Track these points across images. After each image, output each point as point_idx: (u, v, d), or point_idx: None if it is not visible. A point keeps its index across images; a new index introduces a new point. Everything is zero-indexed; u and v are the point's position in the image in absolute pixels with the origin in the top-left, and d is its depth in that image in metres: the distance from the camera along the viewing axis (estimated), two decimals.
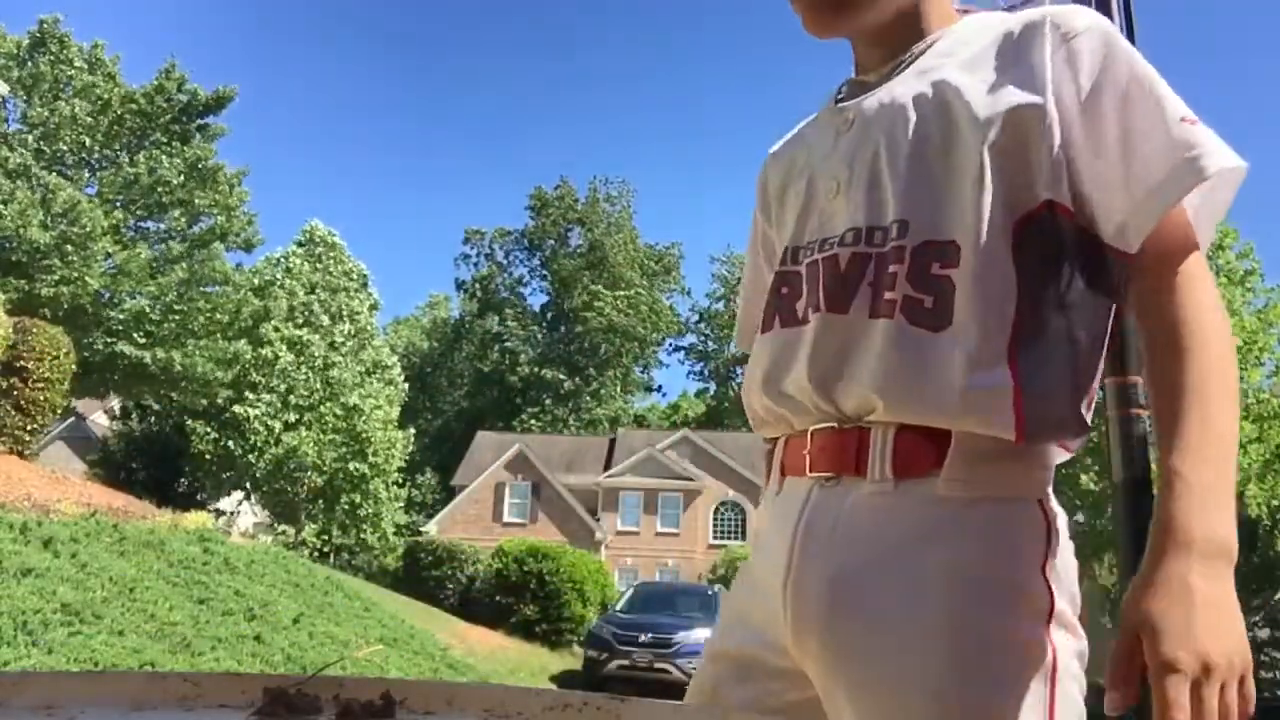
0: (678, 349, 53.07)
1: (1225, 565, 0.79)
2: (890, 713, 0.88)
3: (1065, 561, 0.93)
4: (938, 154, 0.96)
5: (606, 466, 34.83)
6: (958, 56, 1.01)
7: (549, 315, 50.73)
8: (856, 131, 1.04)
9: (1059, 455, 0.97)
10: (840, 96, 1.13)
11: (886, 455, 0.93)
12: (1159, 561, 0.79)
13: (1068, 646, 0.89)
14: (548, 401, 45.97)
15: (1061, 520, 0.95)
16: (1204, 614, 0.75)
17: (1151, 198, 0.89)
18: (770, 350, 1.07)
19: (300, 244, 28.64)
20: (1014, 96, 0.94)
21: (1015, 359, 0.90)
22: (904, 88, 1.02)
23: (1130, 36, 2.65)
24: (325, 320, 27.21)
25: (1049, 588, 0.90)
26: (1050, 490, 0.96)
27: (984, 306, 0.91)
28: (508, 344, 48.34)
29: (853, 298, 0.98)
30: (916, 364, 0.92)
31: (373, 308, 29.80)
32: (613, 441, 37.26)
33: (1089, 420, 0.96)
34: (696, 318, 53.02)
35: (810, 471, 1.00)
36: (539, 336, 49.59)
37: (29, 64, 20.83)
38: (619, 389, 48.86)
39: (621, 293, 47.80)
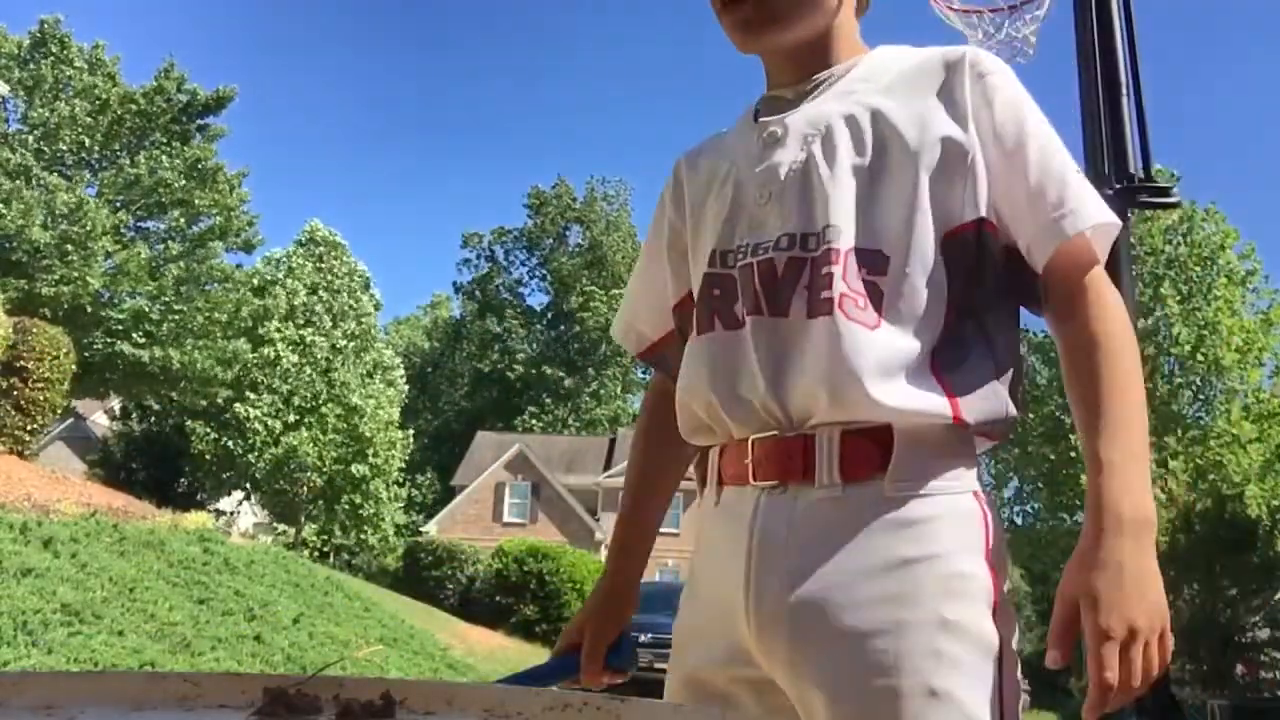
0: None
1: (1148, 535, 0.90)
2: (859, 704, 0.93)
3: (1002, 548, 1.01)
4: (869, 171, 1.03)
5: (606, 466, 34.83)
6: (878, 82, 1.08)
7: (548, 314, 50.72)
8: (788, 142, 1.08)
9: (983, 445, 1.05)
10: (759, 110, 1.17)
11: (834, 460, 0.98)
12: (1097, 540, 0.90)
13: (1009, 629, 0.97)
14: (548, 401, 45.98)
15: (994, 511, 1.01)
16: (1132, 585, 0.87)
17: (1048, 230, 1.00)
18: (713, 353, 1.07)
19: (301, 244, 28.63)
20: (942, 126, 1.02)
21: (944, 359, 0.99)
22: (831, 106, 1.08)
23: (1130, 36, 2.65)
24: (327, 321, 27.21)
25: (993, 575, 0.97)
26: (980, 481, 1.02)
27: (911, 314, 0.99)
28: (507, 344, 48.35)
29: (791, 300, 1.01)
30: (857, 356, 0.96)
31: (376, 308, 29.81)
32: (613, 441, 37.27)
33: (1017, 413, 1.03)
34: None
35: (754, 480, 1.02)
36: (538, 336, 49.59)
37: (30, 65, 20.84)
38: (619, 388, 48.86)
39: (619, 292, 47.77)
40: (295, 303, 26.79)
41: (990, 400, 1.00)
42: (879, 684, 0.92)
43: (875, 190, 1.02)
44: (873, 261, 1.00)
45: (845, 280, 0.99)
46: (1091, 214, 1.00)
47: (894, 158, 1.02)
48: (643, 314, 1.30)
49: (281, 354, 25.61)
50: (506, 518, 32.46)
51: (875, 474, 0.97)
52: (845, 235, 1.00)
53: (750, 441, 1.03)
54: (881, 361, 0.96)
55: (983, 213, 1.01)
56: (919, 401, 0.96)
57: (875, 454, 0.97)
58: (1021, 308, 1.09)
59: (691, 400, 1.10)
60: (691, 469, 1.20)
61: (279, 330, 25.84)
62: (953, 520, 0.97)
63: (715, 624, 1.05)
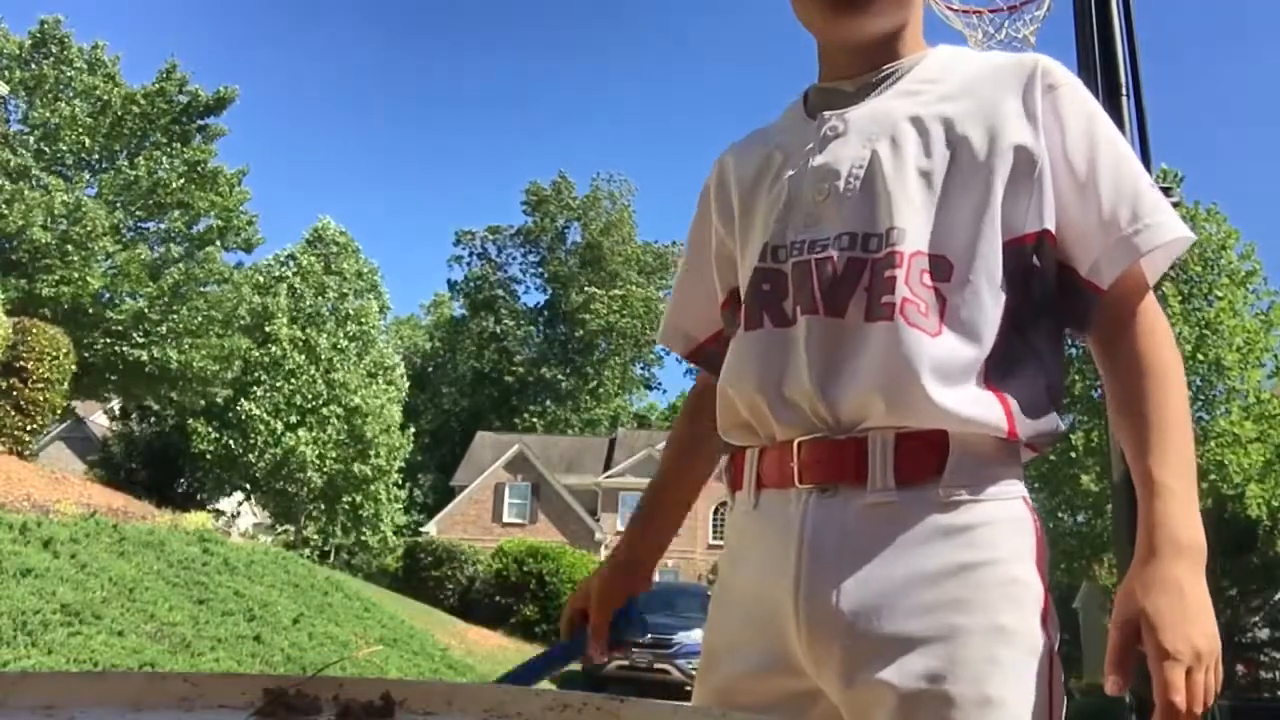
0: None
1: (1202, 561, 0.90)
2: (916, 711, 0.92)
3: (1046, 555, 1.01)
4: (937, 177, 1.01)
5: (606, 466, 34.85)
6: (944, 85, 1.06)
7: (546, 314, 50.70)
8: (849, 139, 1.06)
9: (1028, 455, 1.04)
10: (813, 102, 1.15)
11: (888, 463, 0.96)
12: (1155, 563, 0.89)
13: (1055, 635, 0.97)
14: (548, 402, 45.97)
15: (1040, 517, 1.02)
16: (1192, 609, 0.87)
17: (1122, 246, 0.98)
18: (760, 351, 1.05)
19: (309, 242, 28.61)
20: (1013, 135, 1.00)
21: (999, 370, 0.98)
22: (895, 105, 1.06)
23: (1130, 35, 2.65)
24: (331, 322, 27.21)
25: (1043, 581, 0.98)
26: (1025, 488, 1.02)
27: (971, 321, 0.98)
28: (505, 343, 48.33)
29: (849, 301, 1.00)
30: (918, 360, 0.95)
31: (382, 309, 29.82)
32: (613, 441, 37.29)
33: (1060, 425, 1.03)
34: None
35: (800, 483, 1.00)
36: (536, 335, 49.56)
37: (31, 65, 20.84)
38: (618, 387, 48.84)
39: (618, 291, 47.75)
40: (302, 304, 26.79)
41: (1041, 415, 1.00)
42: (935, 690, 0.91)
43: (943, 197, 1.01)
44: (937, 268, 0.99)
45: (908, 285, 0.98)
46: (1168, 229, 0.99)
47: (964, 165, 1.01)
48: (689, 315, 1.28)
49: (287, 353, 25.62)
50: (506, 518, 32.46)
51: (930, 478, 0.96)
52: (910, 239, 0.99)
53: (796, 444, 1.01)
54: (941, 369, 0.95)
55: (1046, 225, 1.00)
56: (977, 412, 0.95)
57: (930, 458, 0.96)
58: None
59: (736, 396, 1.08)
60: (721, 472, 1.17)
61: (285, 329, 25.84)
62: (1006, 526, 0.97)
63: (755, 632, 1.03)
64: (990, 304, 0.98)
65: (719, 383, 1.11)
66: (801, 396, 1.01)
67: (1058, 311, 1.04)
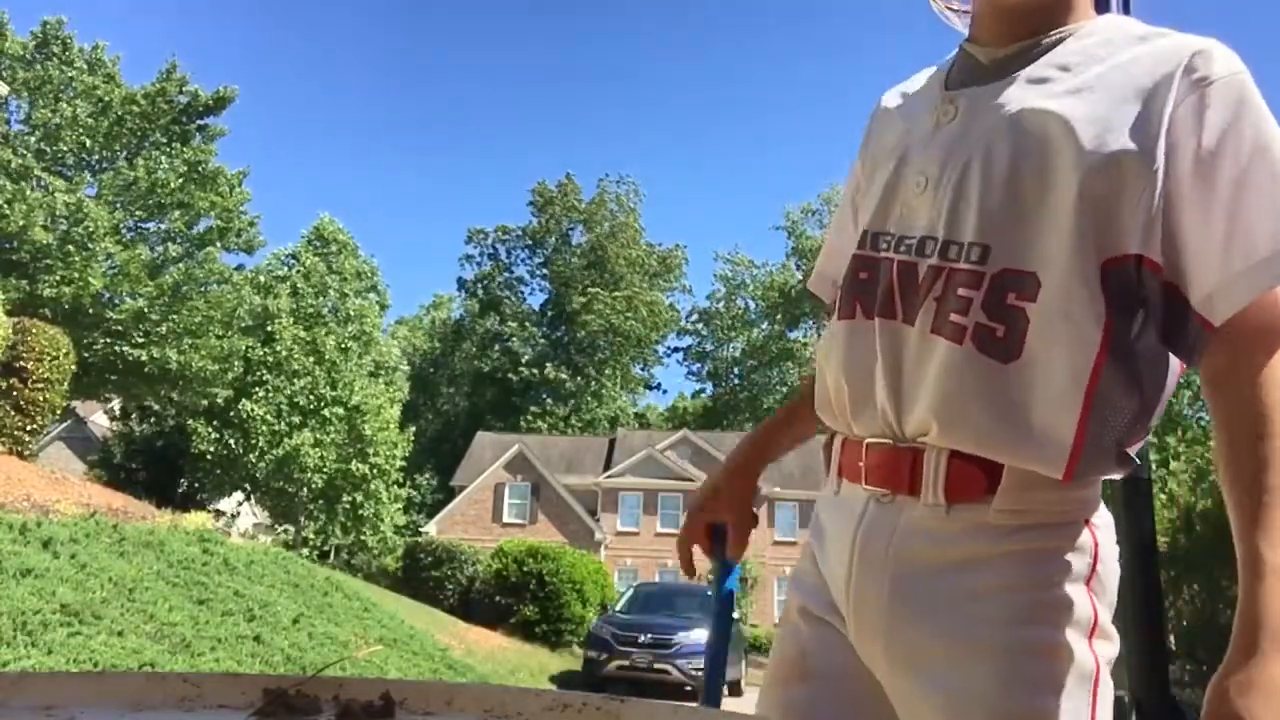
0: (676, 349, 53.09)
1: None
2: None
3: (1109, 571, 0.97)
4: (1033, 184, 0.93)
5: (606, 467, 34.83)
6: (1078, 75, 0.96)
7: (549, 314, 50.73)
8: (957, 128, 1.00)
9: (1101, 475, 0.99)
10: (953, 68, 1.09)
11: (939, 479, 0.95)
12: (1257, 661, 0.78)
13: (1106, 655, 0.95)
14: (549, 402, 45.96)
15: (1106, 533, 0.98)
16: None
17: (1246, 277, 0.86)
18: (850, 342, 1.04)
19: (310, 240, 28.62)
20: (1122, 142, 0.90)
21: (1082, 402, 0.91)
22: (1015, 95, 0.97)
23: None
24: (333, 322, 27.23)
25: (1092, 602, 0.94)
26: (1098, 503, 0.98)
27: (1058, 345, 0.91)
28: (508, 343, 48.34)
29: (919, 310, 0.97)
30: (980, 394, 0.92)
31: (382, 308, 29.82)
32: (612, 442, 37.27)
33: (1136, 459, 0.96)
34: (696, 318, 52.99)
35: (865, 484, 1.01)
36: (539, 336, 49.59)
37: (34, 65, 20.85)
38: (618, 388, 48.84)
39: (621, 293, 47.77)
40: (304, 303, 26.81)
41: (1119, 446, 0.94)
42: (974, 707, 0.91)
43: (1040, 208, 0.92)
44: (1022, 285, 0.92)
45: (984, 309, 0.92)
46: None
47: (1064, 174, 0.91)
48: (837, 264, 1.22)
49: (291, 353, 25.63)
50: (506, 518, 32.45)
51: (981, 497, 0.94)
52: (994, 256, 0.93)
53: (865, 444, 1.02)
54: (1007, 402, 0.91)
55: (1143, 249, 0.90)
56: (1034, 453, 0.91)
57: (982, 479, 0.94)
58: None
59: (830, 381, 1.08)
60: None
61: (288, 329, 25.85)
62: (1056, 549, 0.94)
63: (826, 594, 1.07)
64: (1080, 327, 0.90)
65: (818, 356, 1.11)
66: (875, 399, 1.00)
67: (1163, 337, 0.94)
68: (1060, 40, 1.00)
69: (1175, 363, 0.97)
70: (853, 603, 1.00)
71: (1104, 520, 0.98)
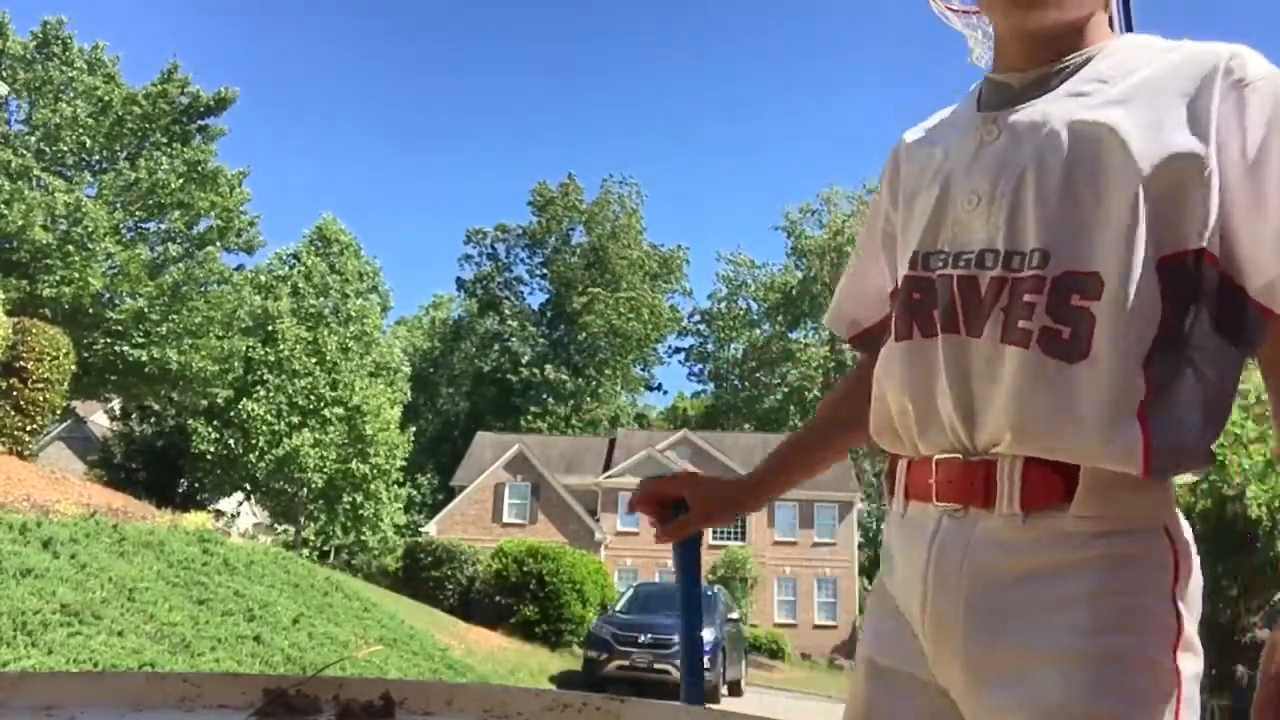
0: (678, 350, 53.08)
1: None
2: None
3: (1194, 583, 0.96)
4: (1088, 188, 0.95)
5: (606, 467, 34.83)
6: (1116, 86, 0.99)
7: (549, 314, 50.73)
8: (1003, 146, 1.02)
9: (1181, 477, 0.99)
10: (985, 95, 1.11)
11: (1015, 488, 0.95)
12: None
13: (1191, 669, 0.93)
14: (550, 402, 45.96)
15: (1187, 541, 0.97)
16: None
17: None
18: (910, 362, 1.05)
19: (312, 240, 28.64)
20: (1175, 142, 0.93)
21: (1150, 395, 0.92)
22: (1057, 108, 1.00)
23: (1129, 33, 2.65)
24: (334, 322, 27.24)
25: (1178, 612, 0.93)
26: (1175, 514, 0.98)
27: (1124, 341, 0.92)
28: (508, 343, 48.36)
29: (986, 321, 0.97)
30: (1051, 398, 0.93)
31: (384, 309, 29.84)
32: (612, 442, 37.27)
33: (1213, 453, 0.97)
34: (698, 318, 52.97)
35: (937, 501, 1.01)
36: (539, 336, 49.59)
37: (35, 65, 20.86)
38: (619, 388, 48.84)
39: (622, 294, 47.78)
40: (305, 303, 26.82)
41: (1191, 443, 0.95)
42: (1056, 718, 0.90)
43: (1097, 210, 0.94)
44: (1085, 286, 0.93)
45: (1050, 312, 0.93)
46: None
47: (1116, 175, 0.93)
48: (858, 300, 1.27)
49: (292, 352, 25.65)
50: (506, 518, 32.45)
51: (1058, 505, 0.93)
52: (1055, 260, 0.94)
53: (934, 461, 1.01)
54: (1078, 404, 0.92)
55: (1203, 243, 0.93)
56: (1111, 450, 0.91)
57: (1059, 486, 0.93)
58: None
59: (891, 403, 1.08)
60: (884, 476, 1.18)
61: (290, 329, 25.86)
62: (1138, 557, 0.93)
63: (901, 629, 1.05)
64: (1143, 323, 0.92)
65: (875, 381, 1.11)
66: (941, 415, 1.00)
67: (1221, 327, 0.96)
68: (1087, 60, 1.03)
69: (1237, 352, 0.99)
70: (929, 624, 0.99)
71: (1184, 528, 0.97)
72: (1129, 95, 0.97)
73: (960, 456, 0.99)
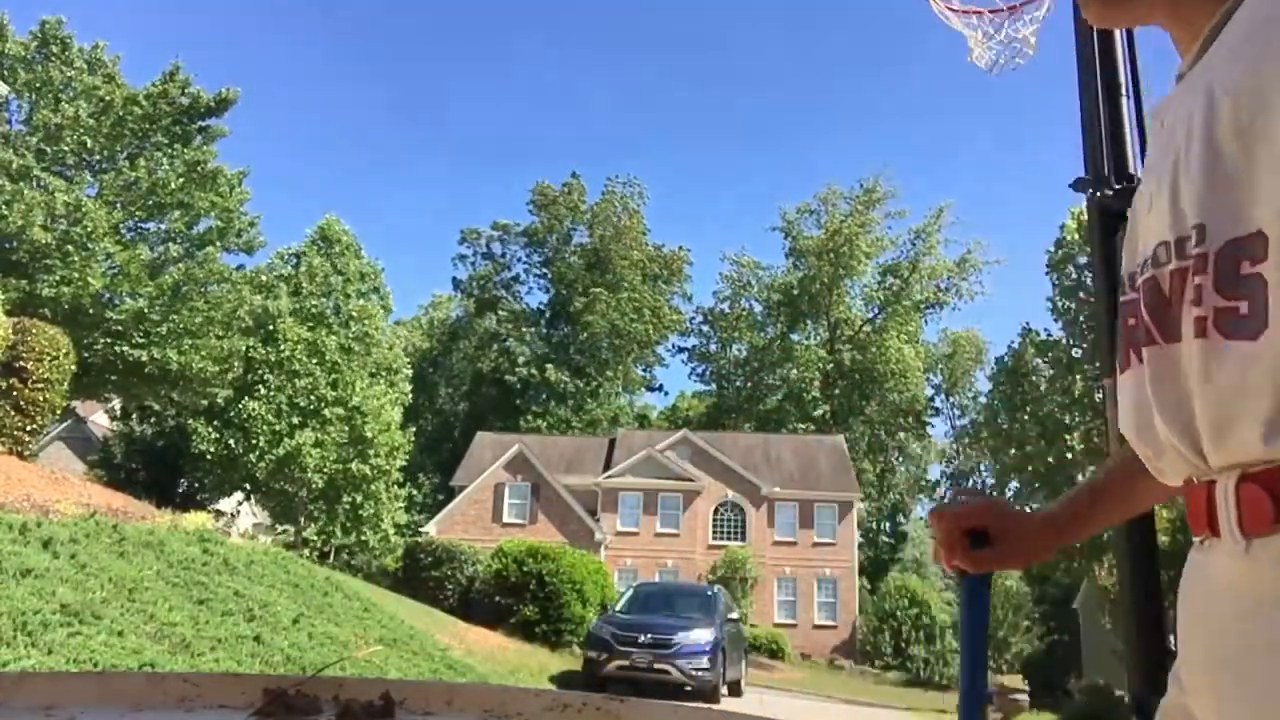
0: (680, 350, 53.07)
1: None
2: None
3: None
4: (1233, 145, 0.85)
5: (606, 467, 34.84)
6: (1229, 40, 0.90)
7: (549, 314, 50.74)
8: (1164, 137, 0.95)
9: None
10: None
11: (1230, 510, 0.84)
12: None
13: None
14: (551, 402, 45.95)
15: None
16: None
17: None
18: (1129, 393, 0.96)
19: (314, 240, 28.65)
20: None
21: None
22: (1195, 80, 0.92)
23: (1129, 34, 2.65)
24: (335, 322, 27.26)
25: None
26: None
27: None
28: (506, 343, 48.36)
29: (1179, 321, 0.87)
30: (1232, 381, 0.82)
31: (385, 310, 29.85)
32: (612, 442, 37.27)
33: None
34: (700, 319, 52.96)
35: (1193, 533, 0.92)
36: (538, 335, 49.60)
37: (36, 66, 20.87)
38: (620, 388, 48.84)
39: (624, 294, 47.78)
40: (307, 303, 26.84)
41: None
42: None
43: (1246, 165, 0.84)
44: (1251, 249, 0.82)
45: (1219, 290, 0.83)
46: None
47: (1265, 123, 0.83)
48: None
49: (293, 352, 25.66)
50: (506, 518, 32.46)
51: (1270, 528, 0.81)
52: (1216, 231, 0.84)
53: (1183, 489, 0.92)
54: (1266, 383, 0.79)
55: None
56: None
57: (1265, 501, 0.82)
58: None
59: (1133, 446, 0.99)
60: None
61: (291, 329, 25.87)
62: None
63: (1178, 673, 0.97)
64: None
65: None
66: (1163, 442, 0.91)
67: None
68: (1232, 10, 0.93)
69: None
70: (1184, 668, 0.92)
71: None
72: (1240, 41, 0.88)
73: (1192, 479, 0.90)
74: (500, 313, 49.77)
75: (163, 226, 22.26)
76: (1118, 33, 2.65)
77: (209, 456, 25.19)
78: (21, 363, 11.13)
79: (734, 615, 16.97)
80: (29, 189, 19.42)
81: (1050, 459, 19.97)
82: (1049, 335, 22.32)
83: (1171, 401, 0.88)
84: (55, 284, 19.16)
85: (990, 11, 3.96)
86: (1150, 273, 0.92)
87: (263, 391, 25.30)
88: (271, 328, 25.73)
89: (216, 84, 23.34)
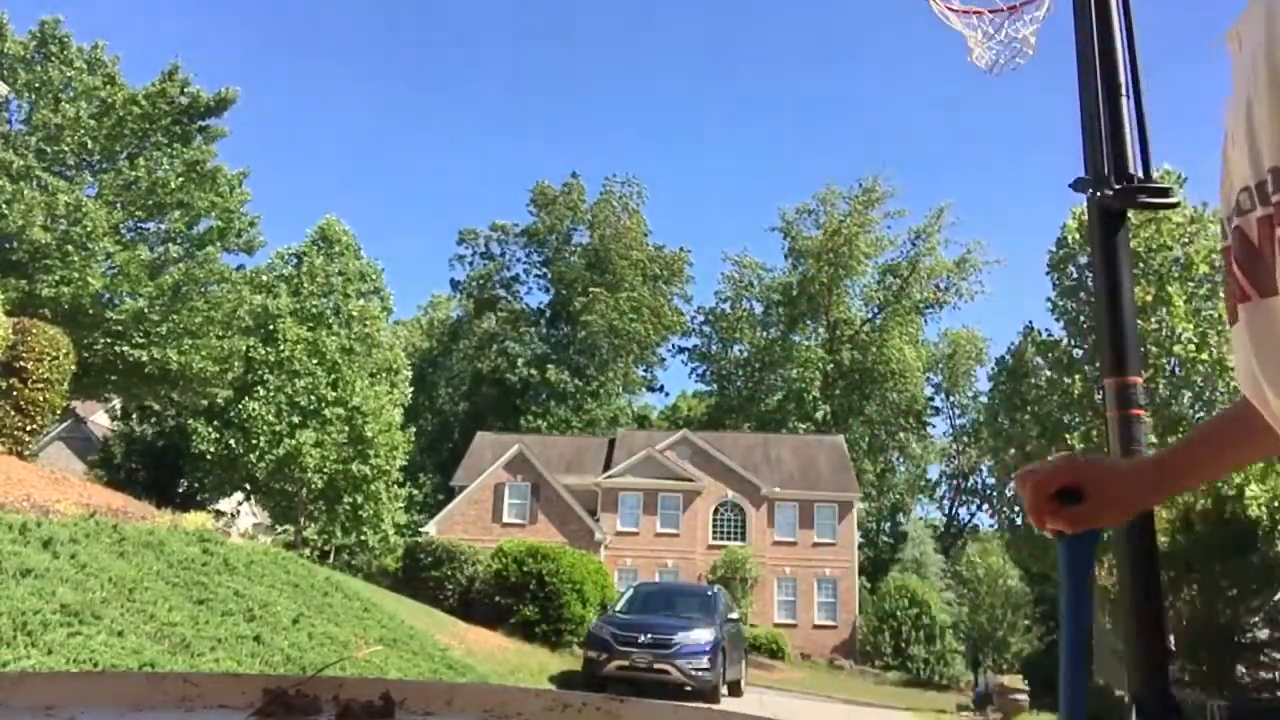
0: (681, 350, 53.04)
1: None
2: None
3: None
4: None
5: (606, 467, 34.83)
6: None
7: (549, 314, 50.72)
8: (1245, 62, 0.87)
9: None
10: None
11: None
12: None
13: None
14: (551, 403, 45.93)
15: None
16: None
17: None
18: (1238, 346, 0.91)
19: (315, 240, 28.66)
20: None
21: None
22: (1258, 8, 0.86)
23: (1129, 34, 2.65)
24: (335, 323, 27.26)
25: None
26: None
27: None
28: (506, 344, 48.35)
29: (1275, 273, 0.81)
30: None
31: (386, 310, 29.85)
32: (612, 442, 37.27)
33: None
34: (701, 319, 52.93)
35: None
36: (538, 335, 49.59)
37: (36, 66, 20.87)
38: (620, 388, 48.82)
39: (625, 294, 47.77)
40: (307, 303, 26.84)
41: None
42: None
43: None
44: None
45: None
46: None
47: None
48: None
49: (293, 352, 25.66)
50: (506, 518, 32.46)
51: None
52: None
53: None
54: None
55: None
56: None
57: None
58: None
59: (1244, 392, 0.94)
60: None
61: (291, 329, 25.87)
62: None
63: None
64: None
65: None
66: (1274, 407, 0.85)
67: None
68: None
69: None
70: None
71: None
72: None
73: None
74: (500, 313, 49.75)
75: (162, 226, 22.25)
76: (1117, 33, 2.65)
77: (209, 456, 25.19)
78: (21, 363, 11.13)
79: (734, 615, 16.97)
80: (29, 189, 19.42)
81: (1048, 458, 19.95)
82: (1049, 335, 22.35)
83: (1271, 362, 0.82)
84: (55, 284, 19.16)
85: (990, 11, 3.96)
86: (1237, 221, 0.86)
87: (263, 391, 25.30)
88: (271, 328, 25.73)
89: (216, 84, 23.31)
